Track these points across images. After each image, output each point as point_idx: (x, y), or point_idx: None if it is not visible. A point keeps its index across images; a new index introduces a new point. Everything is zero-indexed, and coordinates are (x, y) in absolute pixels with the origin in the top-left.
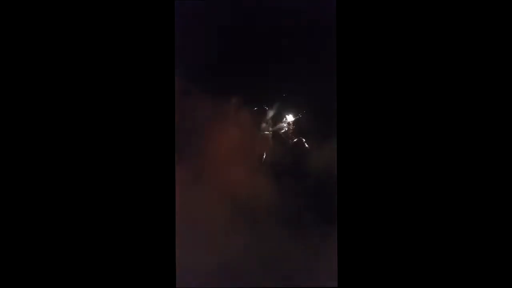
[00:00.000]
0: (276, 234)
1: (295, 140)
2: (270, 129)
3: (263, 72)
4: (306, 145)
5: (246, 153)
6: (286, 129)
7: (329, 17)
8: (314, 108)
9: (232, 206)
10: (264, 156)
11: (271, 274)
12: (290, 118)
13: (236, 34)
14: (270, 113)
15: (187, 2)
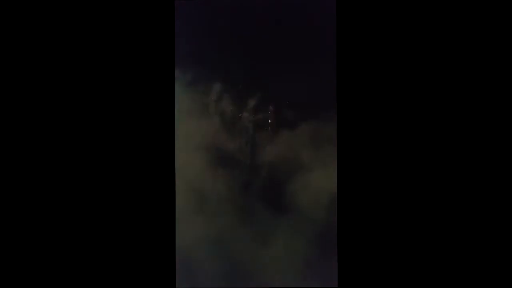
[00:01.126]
0: (230, 225)
1: (269, 129)
2: (252, 117)
3: (254, 69)
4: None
5: (217, 142)
6: (267, 120)
7: (329, 17)
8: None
9: (190, 195)
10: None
11: (223, 264)
12: (270, 109)
13: (235, 33)
14: (252, 103)
15: (187, 2)
